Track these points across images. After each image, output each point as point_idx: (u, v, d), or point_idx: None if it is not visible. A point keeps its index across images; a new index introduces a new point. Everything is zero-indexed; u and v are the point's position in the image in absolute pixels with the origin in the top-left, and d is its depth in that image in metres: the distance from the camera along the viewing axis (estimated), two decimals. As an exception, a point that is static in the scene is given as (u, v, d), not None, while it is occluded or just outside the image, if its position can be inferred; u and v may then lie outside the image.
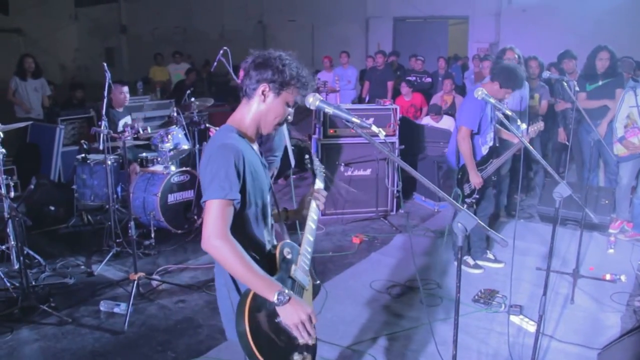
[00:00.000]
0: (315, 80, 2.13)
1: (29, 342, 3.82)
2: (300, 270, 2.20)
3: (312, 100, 2.09)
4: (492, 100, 3.19)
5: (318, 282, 2.34)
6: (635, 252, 5.33)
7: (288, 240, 2.26)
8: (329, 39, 15.83)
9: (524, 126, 3.70)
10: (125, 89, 6.48)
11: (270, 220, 2.30)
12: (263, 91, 2.11)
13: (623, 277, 4.72)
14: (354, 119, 2.04)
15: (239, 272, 1.96)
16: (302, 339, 2.01)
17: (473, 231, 5.00)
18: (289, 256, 2.20)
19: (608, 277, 4.73)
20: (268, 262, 2.13)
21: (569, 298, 4.41)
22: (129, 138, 4.86)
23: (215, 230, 1.93)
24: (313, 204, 2.42)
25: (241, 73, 2.15)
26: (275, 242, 2.28)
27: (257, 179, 2.14)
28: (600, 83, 6.10)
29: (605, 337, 3.83)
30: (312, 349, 2.15)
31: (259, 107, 2.15)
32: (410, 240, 5.52)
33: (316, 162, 2.59)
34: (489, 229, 2.11)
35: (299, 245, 2.28)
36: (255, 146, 2.24)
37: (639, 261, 5.05)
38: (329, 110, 2.07)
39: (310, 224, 2.34)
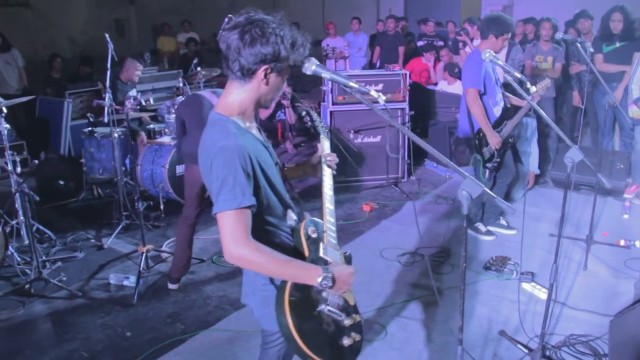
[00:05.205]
0: (309, 43, 1.97)
1: (40, 316, 3.84)
2: (330, 247, 2.07)
3: (308, 65, 1.94)
4: (500, 63, 3.08)
5: (348, 253, 2.24)
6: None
7: (310, 218, 2.14)
8: (339, 5, 15.51)
9: (533, 89, 3.58)
10: (141, 67, 6.41)
11: (288, 200, 2.12)
12: (265, 74, 1.86)
13: (637, 243, 4.64)
14: (352, 84, 1.93)
15: (274, 272, 1.88)
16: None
17: (488, 197, 4.93)
18: (314, 235, 2.07)
19: (622, 243, 4.64)
20: (295, 248, 2.02)
21: (582, 264, 4.35)
22: (131, 110, 4.80)
23: (235, 241, 1.76)
24: (327, 170, 2.30)
25: (222, 44, 1.84)
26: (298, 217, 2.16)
27: (267, 168, 1.94)
28: (617, 45, 5.90)
29: (618, 304, 3.77)
30: (358, 328, 2.06)
31: (259, 90, 1.90)
32: (414, 208, 5.42)
33: (315, 117, 2.45)
34: (494, 195, 2.03)
35: (321, 218, 2.16)
36: (254, 127, 2.03)
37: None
38: (326, 75, 1.95)
39: (328, 191, 2.23)
